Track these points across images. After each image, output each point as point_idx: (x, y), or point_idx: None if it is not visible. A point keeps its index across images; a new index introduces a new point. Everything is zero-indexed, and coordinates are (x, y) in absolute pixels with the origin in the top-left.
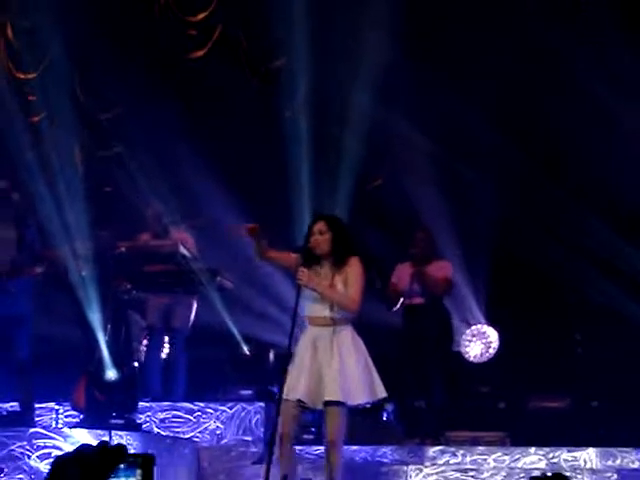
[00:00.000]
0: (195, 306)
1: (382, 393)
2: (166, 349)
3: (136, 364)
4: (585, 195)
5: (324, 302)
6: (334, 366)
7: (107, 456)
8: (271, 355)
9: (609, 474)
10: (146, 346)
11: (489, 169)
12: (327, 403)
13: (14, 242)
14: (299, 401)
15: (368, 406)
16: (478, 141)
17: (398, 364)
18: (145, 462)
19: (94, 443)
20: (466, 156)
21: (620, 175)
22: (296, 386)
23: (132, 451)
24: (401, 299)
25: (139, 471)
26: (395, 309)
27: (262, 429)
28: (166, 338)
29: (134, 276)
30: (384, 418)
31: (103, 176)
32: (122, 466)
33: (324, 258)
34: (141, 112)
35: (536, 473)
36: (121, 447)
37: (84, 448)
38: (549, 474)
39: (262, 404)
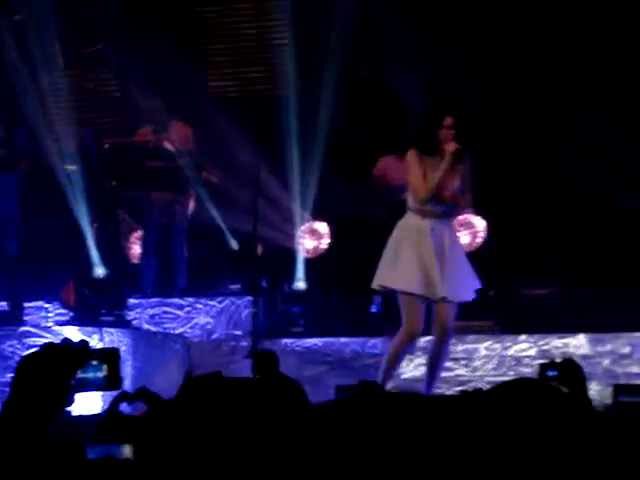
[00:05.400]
0: (192, 204)
1: None
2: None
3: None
4: (577, 85)
5: None
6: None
7: (71, 354)
8: (259, 249)
9: (600, 359)
10: (143, 243)
11: (471, 56)
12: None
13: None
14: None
15: None
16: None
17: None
18: (109, 356)
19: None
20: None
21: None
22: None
23: (123, 347)
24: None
25: (105, 366)
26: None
27: (251, 323)
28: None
29: (120, 173)
30: (373, 310)
31: (86, 74)
32: (92, 362)
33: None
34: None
35: (527, 361)
36: (83, 344)
37: (48, 347)
38: (558, 360)
39: (251, 298)
